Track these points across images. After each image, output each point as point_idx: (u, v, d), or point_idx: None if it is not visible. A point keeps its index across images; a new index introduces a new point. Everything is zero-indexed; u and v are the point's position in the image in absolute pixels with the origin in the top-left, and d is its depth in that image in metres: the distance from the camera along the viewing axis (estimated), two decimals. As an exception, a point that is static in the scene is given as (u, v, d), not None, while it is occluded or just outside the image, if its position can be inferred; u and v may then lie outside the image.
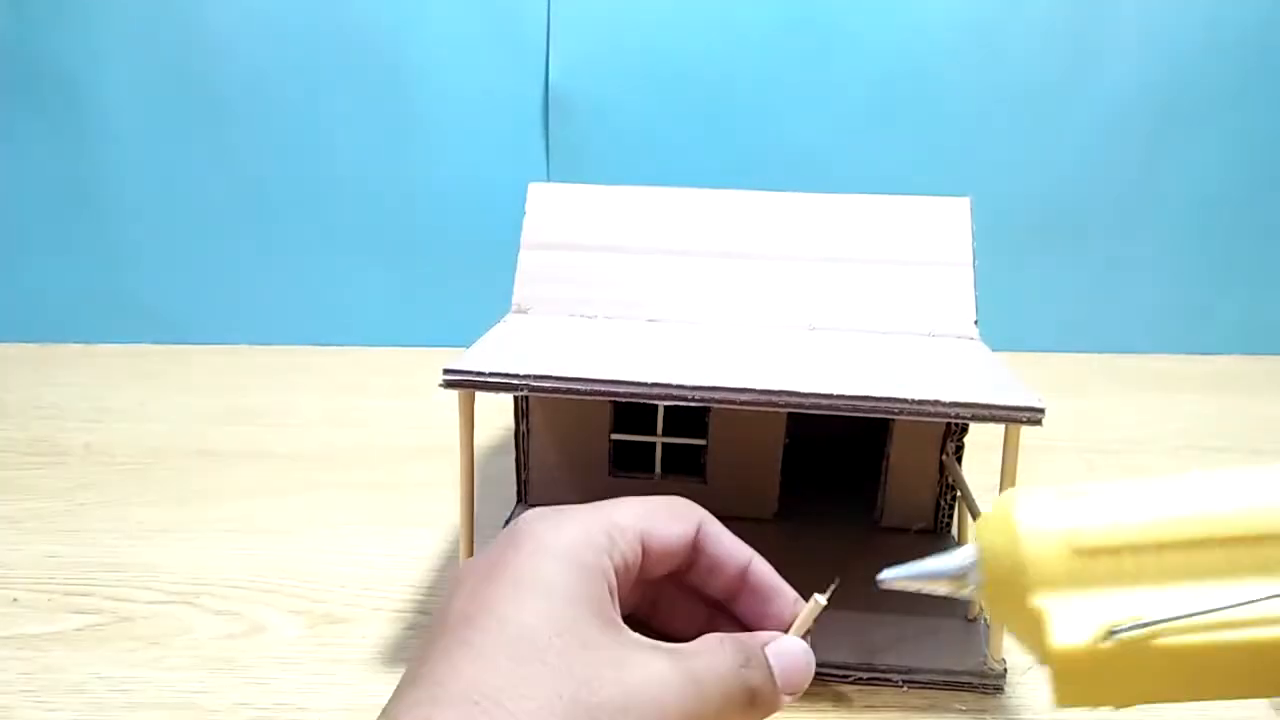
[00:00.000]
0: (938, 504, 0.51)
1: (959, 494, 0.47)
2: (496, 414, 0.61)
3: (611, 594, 0.27)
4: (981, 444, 0.47)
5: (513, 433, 0.53)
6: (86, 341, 0.90)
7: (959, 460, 0.49)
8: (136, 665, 0.40)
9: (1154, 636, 0.20)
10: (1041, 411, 0.34)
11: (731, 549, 0.30)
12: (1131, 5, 0.82)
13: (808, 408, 0.35)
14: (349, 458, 0.64)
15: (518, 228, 0.52)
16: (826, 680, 0.39)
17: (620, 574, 0.27)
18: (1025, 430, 0.35)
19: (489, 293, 0.55)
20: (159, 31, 0.83)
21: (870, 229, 0.51)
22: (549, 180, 0.58)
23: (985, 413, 0.35)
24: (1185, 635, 0.20)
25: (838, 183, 0.53)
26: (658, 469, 0.52)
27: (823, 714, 0.37)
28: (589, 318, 0.49)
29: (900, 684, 0.39)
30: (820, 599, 0.28)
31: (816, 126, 0.85)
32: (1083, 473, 0.63)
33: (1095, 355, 0.90)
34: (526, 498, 0.54)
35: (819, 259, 0.50)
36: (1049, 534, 0.22)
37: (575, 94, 0.85)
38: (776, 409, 0.35)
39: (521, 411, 0.52)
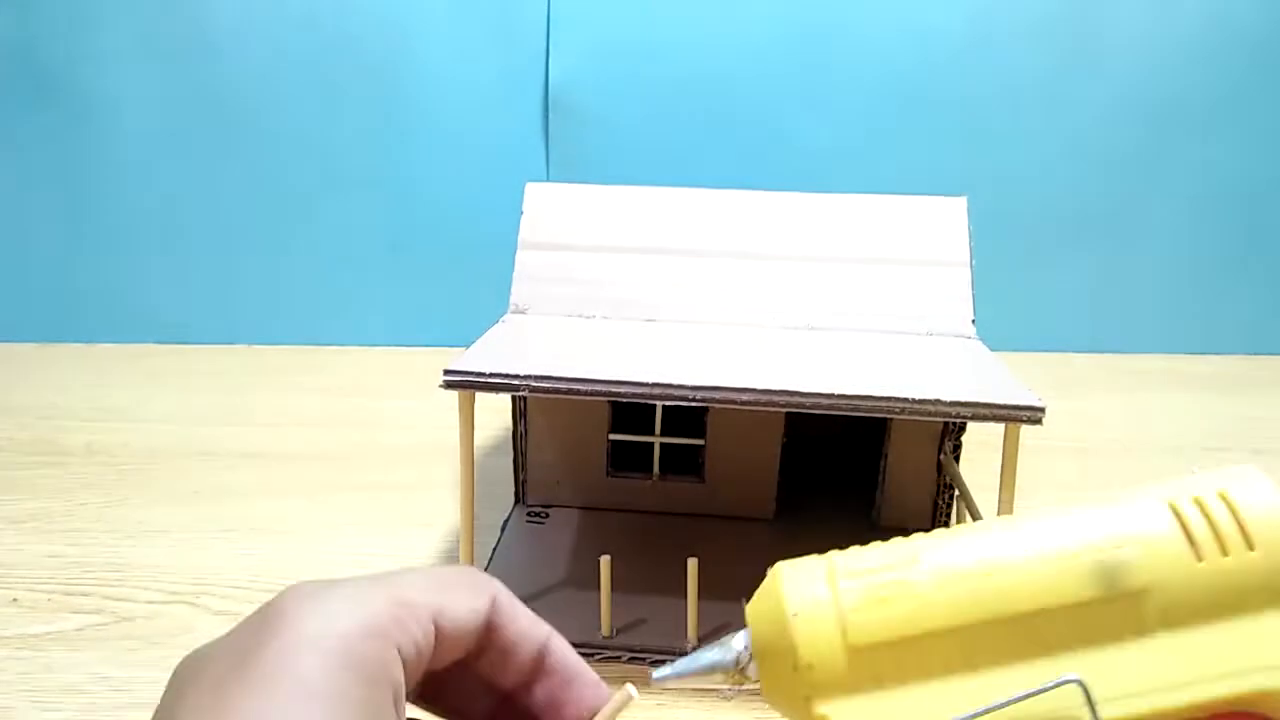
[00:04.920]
0: (935, 503, 0.52)
1: (957, 493, 0.47)
2: (495, 414, 0.61)
3: (397, 698, 0.21)
4: (980, 443, 0.47)
5: (511, 433, 0.53)
6: (86, 341, 0.90)
7: (956, 459, 0.49)
8: (136, 665, 0.40)
9: None
10: (1041, 411, 0.34)
11: (529, 626, 0.25)
12: (1131, 5, 0.82)
13: (808, 407, 0.35)
14: (349, 458, 0.64)
15: (517, 228, 0.52)
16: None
17: (410, 665, 0.22)
18: (1024, 430, 0.35)
19: (489, 293, 0.55)
20: (159, 32, 0.83)
21: (867, 229, 0.51)
22: (548, 180, 0.58)
23: (986, 412, 0.35)
24: None
25: (838, 182, 0.53)
26: (655, 469, 0.52)
27: (822, 714, 0.37)
28: (587, 318, 0.49)
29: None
30: (631, 690, 0.24)
31: (816, 126, 0.85)
32: (1080, 474, 0.63)
33: (1095, 355, 0.90)
34: (525, 498, 0.54)
35: (816, 259, 0.50)
36: (824, 634, 0.20)
37: (575, 94, 0.85)
38: (777, 409, 0.35)
39: (520, 412, 0.52)
